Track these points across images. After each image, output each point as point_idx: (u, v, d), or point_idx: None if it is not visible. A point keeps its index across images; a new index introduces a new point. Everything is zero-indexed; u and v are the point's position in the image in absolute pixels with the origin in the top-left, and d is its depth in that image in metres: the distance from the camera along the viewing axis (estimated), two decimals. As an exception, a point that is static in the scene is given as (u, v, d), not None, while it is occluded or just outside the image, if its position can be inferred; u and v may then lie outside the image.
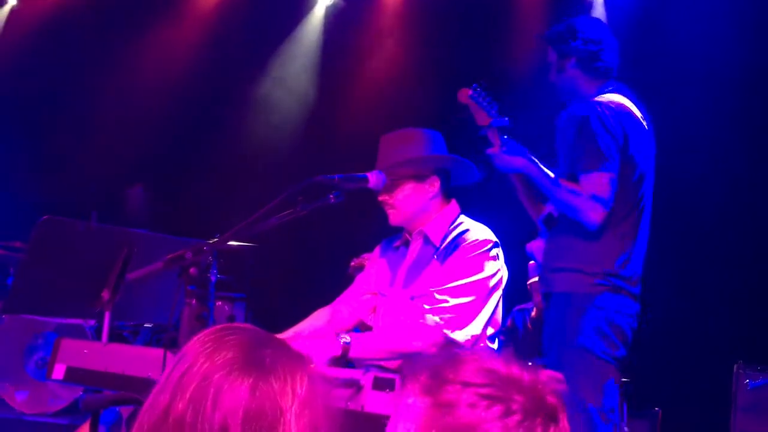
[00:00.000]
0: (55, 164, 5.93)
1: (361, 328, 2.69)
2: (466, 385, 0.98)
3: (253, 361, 0.87)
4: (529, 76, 5.55)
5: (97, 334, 4.68)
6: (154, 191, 5.59)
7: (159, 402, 0.80)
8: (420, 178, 2.43)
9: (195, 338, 0.91)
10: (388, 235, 2.69)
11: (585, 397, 2.54)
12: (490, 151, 2.76)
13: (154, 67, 5.99)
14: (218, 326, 0.95)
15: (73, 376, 2.30)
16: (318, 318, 2.59)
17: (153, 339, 4.80)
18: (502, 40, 5.76)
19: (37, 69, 6.05)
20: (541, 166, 2.71)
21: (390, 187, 2.39)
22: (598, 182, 2.58)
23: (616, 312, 2.61)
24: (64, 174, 5.89)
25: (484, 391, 0.98)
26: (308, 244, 5.62)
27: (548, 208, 2.88)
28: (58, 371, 2.32)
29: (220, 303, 5.28)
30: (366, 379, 1.64)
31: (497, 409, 0.97)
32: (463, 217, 2.49)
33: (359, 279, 2.67)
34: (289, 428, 0.86)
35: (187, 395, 0.80)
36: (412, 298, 2.37)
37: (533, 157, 2.72)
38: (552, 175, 2.70)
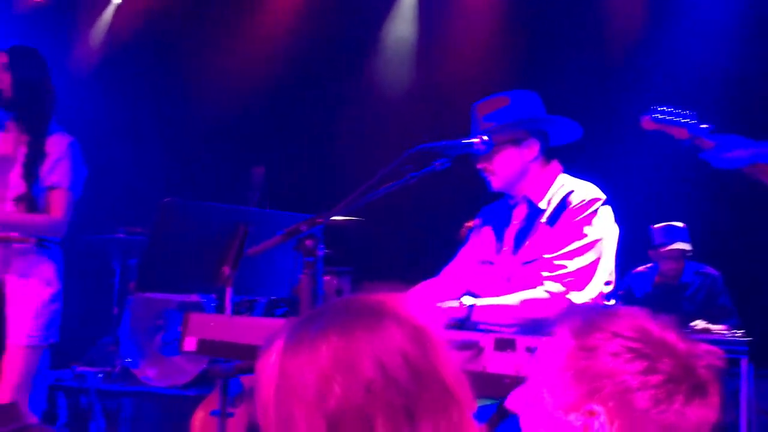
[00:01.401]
0: (170, 152, 6.21)
1: None
2: (616, 335, 0.98)
3: (387, 313, 0.88)
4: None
5: (217, 310, 4.93)
6: (270, 170, 5.77)
7: (332, 393, 0.82)
8: (517, 142, 2.39)
9: (314, 335, 0.86)
10: (492, 202, 2.68)
11: None
12: (704, 155, 2.72)
13: (260, 49, 6.14)
14: (307, 317, 0.92)
15: (204, 347, 2.43)
16: (424, 291, 2.61)
17: (267, 313, 4.99)
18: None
19: (146, 58, 6.33)
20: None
21: (488, 154, 2.37)
22: None
23: None
24: (179, 159, 6.16)
25: (632, 345, 0.97)
26: (412, 215, 5.66)
27: None
28: (190, 344, 2.46)
29: (327, 277, 5.42)
30: (486, 340, 1.65)
31: (640, 364, 0.96)
32: (566, 177, 2.44)
33: (464, 250, 2.67)
34: (447, 352, 0.88)
35: (368, 369, 0.82)
36: (525, 264, 2.36)
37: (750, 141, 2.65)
38: None
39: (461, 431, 0.84)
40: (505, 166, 2.41)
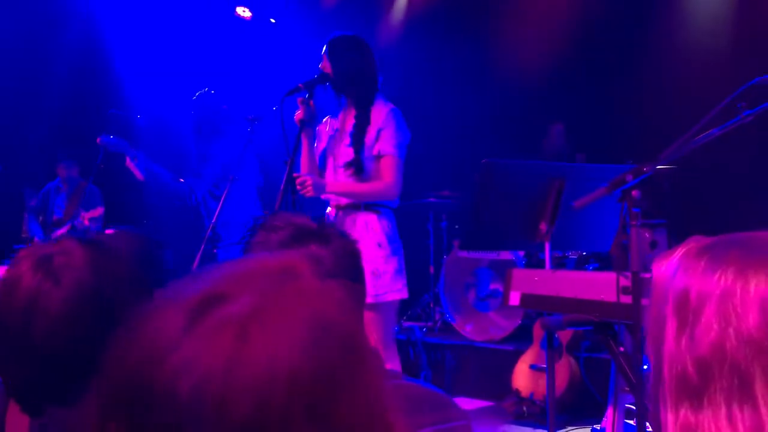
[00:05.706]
0: (471, 117, 6.42)
1: None
2: None
3: None
4: None
5: (526, 267, 5.02)
6: (571, 126, 5.68)
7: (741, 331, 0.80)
8: None
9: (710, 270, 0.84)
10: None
11: None
12: None
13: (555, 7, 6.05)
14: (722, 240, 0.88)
15: (528, 301, 2.50)
16: None
17: (578, 268, 4.95)
18: None
19: (445, 29, 6.60)
20: None
21: None
22: None
23: None
24: (480, 124, 6.34)
25: None
26: (727, 161, 5.17)
27: None
28: (514, 298, 2.55)
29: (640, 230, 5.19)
30: None
31: None
32: None
33: None
34: None
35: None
36: None
37: None
38: None
39: None
40: None
